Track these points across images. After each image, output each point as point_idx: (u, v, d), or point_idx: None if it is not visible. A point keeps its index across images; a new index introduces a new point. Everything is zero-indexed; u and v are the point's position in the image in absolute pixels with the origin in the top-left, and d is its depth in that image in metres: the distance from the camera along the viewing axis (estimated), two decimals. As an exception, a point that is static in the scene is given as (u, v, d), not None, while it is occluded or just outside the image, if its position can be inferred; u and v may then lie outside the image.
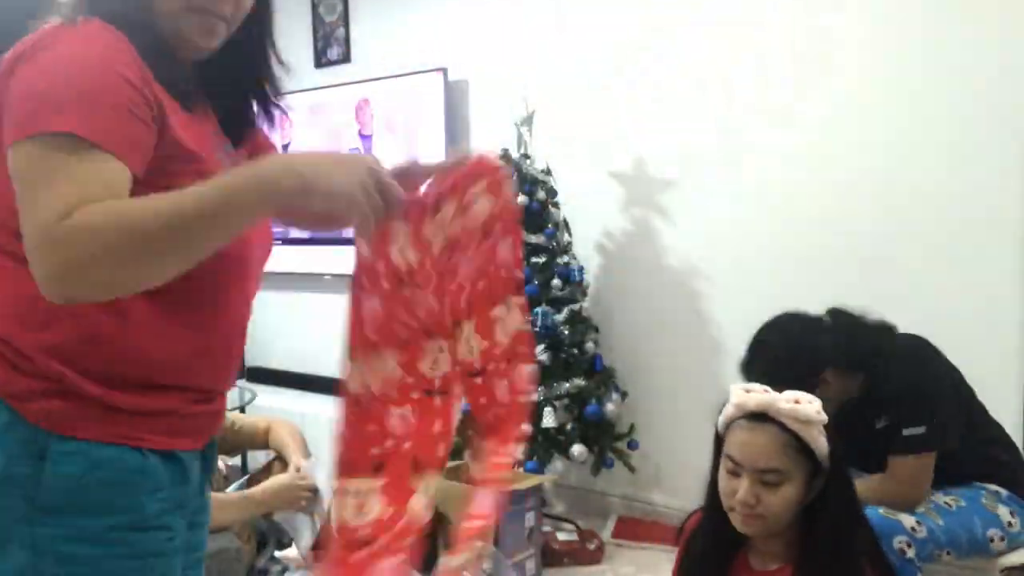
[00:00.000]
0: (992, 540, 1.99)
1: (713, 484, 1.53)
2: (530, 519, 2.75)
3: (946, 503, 2.01)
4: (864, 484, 2.07)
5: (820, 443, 1.44)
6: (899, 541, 1.92)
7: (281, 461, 2.60)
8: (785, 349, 2.04)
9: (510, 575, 2.58)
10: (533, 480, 2.79)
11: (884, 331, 2.12)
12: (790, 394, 1.46)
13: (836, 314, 2.14)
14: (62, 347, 0.98)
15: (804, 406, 1.44)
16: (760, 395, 1.46)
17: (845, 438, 1.52)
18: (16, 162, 0.90)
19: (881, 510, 1.96)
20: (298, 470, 2.39)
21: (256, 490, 2.22)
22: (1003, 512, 2.01)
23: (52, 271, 0.85)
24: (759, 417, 1.46)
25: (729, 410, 1.51)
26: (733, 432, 1.49)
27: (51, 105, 0.89)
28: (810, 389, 1.97)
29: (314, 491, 2.29)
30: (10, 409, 0.98)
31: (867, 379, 2.08)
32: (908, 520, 1.95)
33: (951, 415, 2.01)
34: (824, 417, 1.44)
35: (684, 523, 1.74)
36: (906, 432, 1.97)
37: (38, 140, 0.88)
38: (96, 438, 0.99)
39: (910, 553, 1.92)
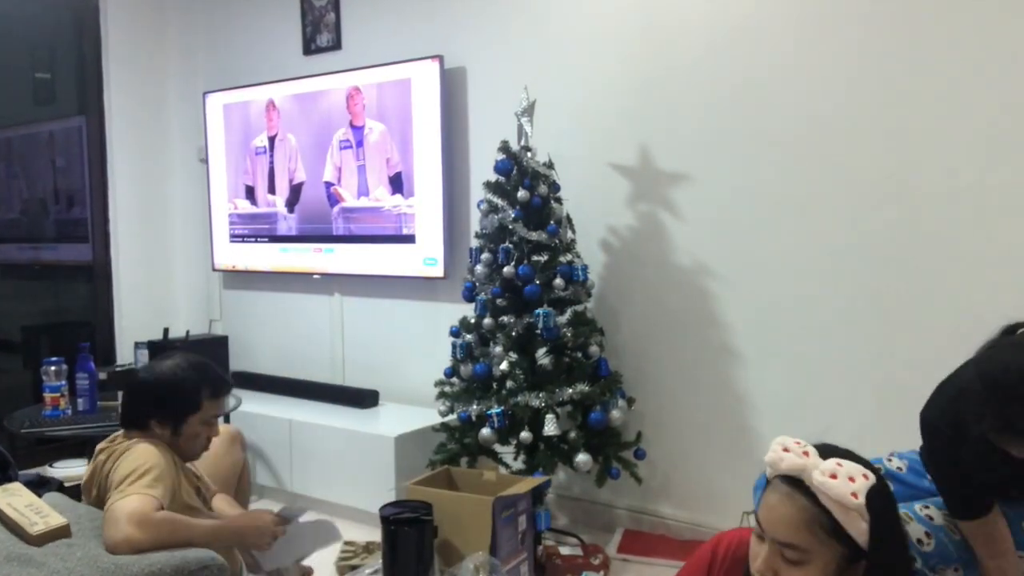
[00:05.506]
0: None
1: None
2: (522, 522, 2.71)
3: None
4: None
5: (857, 527, 1.23)
6: None
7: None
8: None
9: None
10: (526, 484, 2.74)
11: None
12: (830, 464, 1.26)
13: None
14: None
15: (838, 484, 1.22)
16: (795, 458, 1.28)
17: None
18: None
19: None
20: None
21: (230, 523, 2.21)
22: None
23: None
24: (794, 481, 1.28)
25: (767, 467, 1.33)
26: (768, 490, 1.32)
27: None
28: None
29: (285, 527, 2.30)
30: None
31: None
32: (917, 531, 1.89)
33: None
34: (860, 502, 1.22)
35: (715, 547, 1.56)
36: None
37: None
38: None
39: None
